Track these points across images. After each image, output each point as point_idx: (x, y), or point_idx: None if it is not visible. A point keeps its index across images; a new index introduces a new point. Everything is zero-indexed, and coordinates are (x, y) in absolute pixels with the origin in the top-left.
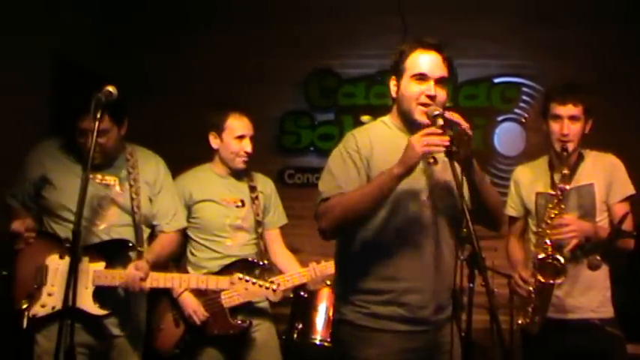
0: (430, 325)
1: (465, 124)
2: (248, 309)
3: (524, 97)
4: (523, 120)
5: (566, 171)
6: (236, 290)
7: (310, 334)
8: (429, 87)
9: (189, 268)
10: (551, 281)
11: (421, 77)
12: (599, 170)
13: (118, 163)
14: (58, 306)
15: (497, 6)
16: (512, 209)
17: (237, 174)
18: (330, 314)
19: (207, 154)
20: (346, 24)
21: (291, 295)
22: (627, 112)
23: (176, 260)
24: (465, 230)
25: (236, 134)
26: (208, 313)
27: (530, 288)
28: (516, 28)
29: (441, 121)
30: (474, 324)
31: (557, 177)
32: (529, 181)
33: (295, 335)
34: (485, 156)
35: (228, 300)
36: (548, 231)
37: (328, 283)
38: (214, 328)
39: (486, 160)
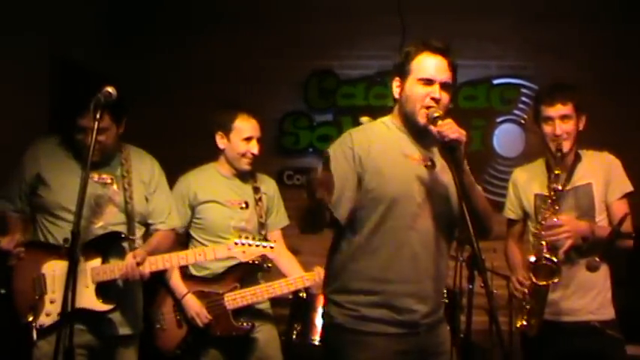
0: (421, 327)
1: (454, 136)
2: (250, 311)
3: (524, 99)
4: (522, 121)
5: (558, 171)
6: (235, 254)
7: (310, 334)
8: (434, 90)
9: (192, 269)
10: (546, 283)
11: (427, 81)
12: (597, 169)
13: (114, 161)
14: None
15: (496, 7)
16: (510, 212)
17: (242, 175)
18: None
19: (210, 154)
20: (345, 25)
21: (291, 297)
22: (627, 111)
23: None
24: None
25: (244, 135)
26: (211, 315)
27: (526, 290)
28: (515, 28)
29: (440, 122)
30: (473, 325)
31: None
32: (527, 182)
33: (294, 336)
34: (485, 157)
35: (232, 302)
36: (542, 232)
37: None
38: (217, 329)
39: (486, 161)
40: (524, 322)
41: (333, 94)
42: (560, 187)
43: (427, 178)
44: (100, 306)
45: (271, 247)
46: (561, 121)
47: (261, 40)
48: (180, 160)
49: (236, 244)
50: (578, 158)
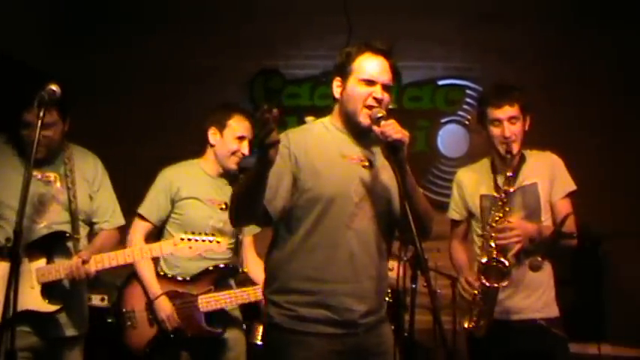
0: (360, 327)
1: (397, 136)
2: (221, 315)
3: (468, 100)
4: (467, 122)
5: (509, 173)
6: (181, 250)
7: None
8: (377, 90)
9: (164, 266)
10: (496, 285)
11: (369, 81)
12: (541, 169)
13: (57, 160)
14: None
15: (442, 8)
16: (455, 212)
17: (226, 176)
18: None
19: (157, 153)
20: (291, 24)
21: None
22: (571, 112)
23: None
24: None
25: (237, 134)
26: (183, 316)
27: (476, 292)
28: (461, 30)
29: (383, 123)
30: (417, 324)
31: (500, 179)
32: (472, 183)
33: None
34: (429, 158)
35: (205, 305)
36: (492, 234)
37: None
38: (188, 330)
39: (430, 161)
40: (473, 324)
41: (278, 94)
42: (511, 190)
43: (365, 178)
44: (46, 307)
45: (217, 242)
46: (509, 122)
47: (207, 40)
48: (127, 159)
49: (182, 239)
50: (522, 158)
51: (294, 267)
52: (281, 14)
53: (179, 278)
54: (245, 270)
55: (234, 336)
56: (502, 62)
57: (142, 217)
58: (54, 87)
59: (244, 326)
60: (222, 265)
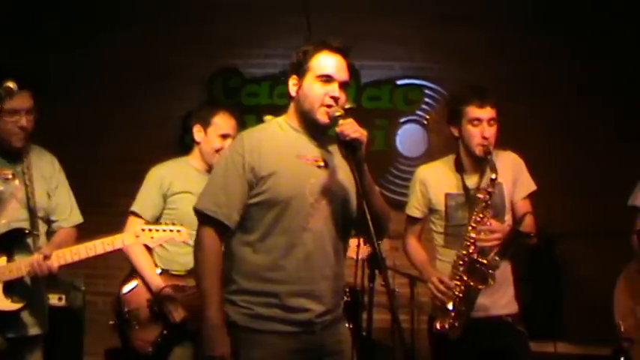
0: (316, 326)
1: (355, 135)
2: None
3: (427, 99)
4: (425, 122)
5: (493, 176)
6: (143, 241)
7: None
8: (334, 89)
9: (159, 262)
10: (481, 286)
11: (326, 79)
12: (505, 169)
13: (14, 157)
14: None
15: (401, 8)
16: (416, 210)
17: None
18: None
19: (116, 152)
20: (251, 24)
21: None
22: (527, 112)
23: None
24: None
25: (221, 132)
26: (187, 309)
27: (457, 292)
28: (420, 30)
29: (341, 122)
30: (375, 324)
31: (469, 180)
32: (437, 181)
33: None
34: (388, 157)
35: None
36: (473, 235)
37: None
38: (193, 324)
39: (388, 161)
40: (448, 325)
41: (237, 93)
42: (496, 191)
43: (321, 179)
44: (9, 305)
45: (178, 231)
46: (488, 124)
47: (166, 39)
48: (86, 159)
49: (143, 230)
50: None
51: (251, 268)
52: (240, 13)
53: (174, 273)
54: None
55: None
56: (460, 62)
57: (136, 214)
58: (10, 84)
59: None
60: None
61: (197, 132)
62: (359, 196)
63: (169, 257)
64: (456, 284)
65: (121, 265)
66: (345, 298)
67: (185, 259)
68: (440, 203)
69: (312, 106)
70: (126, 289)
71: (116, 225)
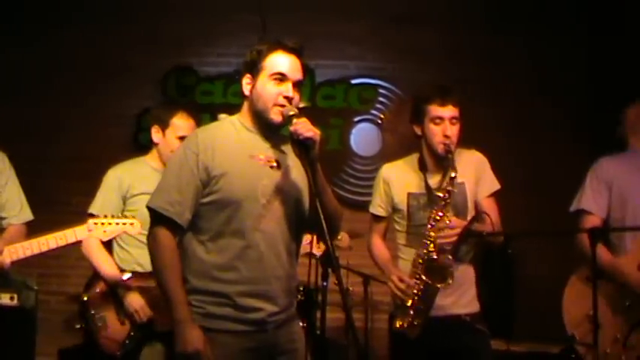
0: (269, 325)
1: (309, 134)
2: None
3: (381, 99)
4: (379, 121)
5: (453, 174)
6: (96, 234)
7: None
8: (288, 88)
9: (120, 264)
10: (440, 285)
11: (281, 78)
12: (468, 168)
13: None
14: None
15: (356, 8)
16: (380, 208)
17: None
18: None
19: (68, 152)
20: (205, 22)
21: None
22: (484, 112)
23: None
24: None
25: (179, 134)
26: (155, 309)
27: (415, 290)
28: (374, 30)
29: (295, 121)
30: (329, 322)
31: (432, 178)
32: (400, 180)
33: None
34: (342, 156)
35: None
36: (432, 233)
37: None
38: (160, 324)
39: (343, 160)
40: (407, 323)
41: (191, 91)
42: (455, 190)
43: (273, 179)
44: None
45: (131, 224)
46: (450, 122)
47: (120, 37)
48: (36, 158)
49: (95, 223)
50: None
51: (202, 267)
52: (195, 12)
53: (140, 271)
54: None
55: None
56: (415, 62)
57: (94, 217)
58: None
59: None
60: None
61: (155, 133)
62: (312, 195)
63: (131, 259)
64: (416, 283)
65: (73, 264)
66: (299, 296)
67: (147, 260)
68: (402, 203)
69: (266, 106)
70: (89, 293)
71: (70, 224)
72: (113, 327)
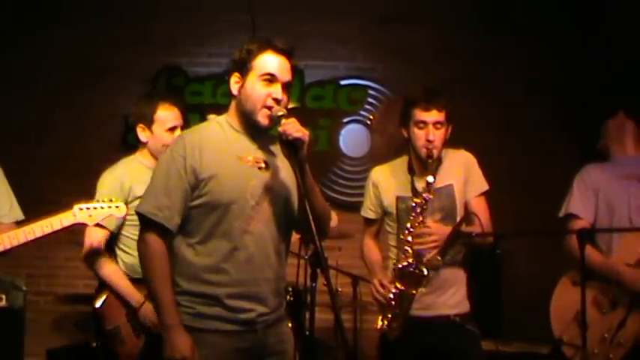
0: (259, 325)
1: (297, 135)
2: None
3: (370, 100)
4: (368, 122)
5: (430, 179)
6: (81, 219)
7: None
8: (277, 90)
9: (126, 270)
10: (413, 291)
11: (270, 79)
12: (456, 170)
13: None
14: None
15: (345, 9)
16: (370, 211)
17: None
18: None
19: (57, 152)
20: (195, 22)
21: None
22: (473, 112)
23: None
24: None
25: (167, 126)
26: None
27: (391, 295)
28: (363, 31)
29: (284, 121)
30: (319, 323)
31: (418, 182)
32: (389, 183)
33: None
34: (331, 157)
35: None
36: (409, 239)
37: None
38: None
39: (332, 161)
40: (386, 325)
41: (181, 91)
42: (431, 196)
43: (261, 180)
44: None
45: (117, 207)
46: (434, 127)
47: (110, 36)
48: (25, 158)
49: (80, 209)
50: (439, 160)
51: (192, 270)
52: (185, 12)
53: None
54: None
55: None
56: (404, 62)
57: (100, 226)
58: None
59: None
60: None
61: (141, 132)
62: (300, 196)
63: (135, 262)
64: (395, 287)
65: (62, 265)
66: (288, 297)
67: None
68: (392, 206)
69: (254, 107)
70: (98, 303)
71: None
72: (130, 341)
